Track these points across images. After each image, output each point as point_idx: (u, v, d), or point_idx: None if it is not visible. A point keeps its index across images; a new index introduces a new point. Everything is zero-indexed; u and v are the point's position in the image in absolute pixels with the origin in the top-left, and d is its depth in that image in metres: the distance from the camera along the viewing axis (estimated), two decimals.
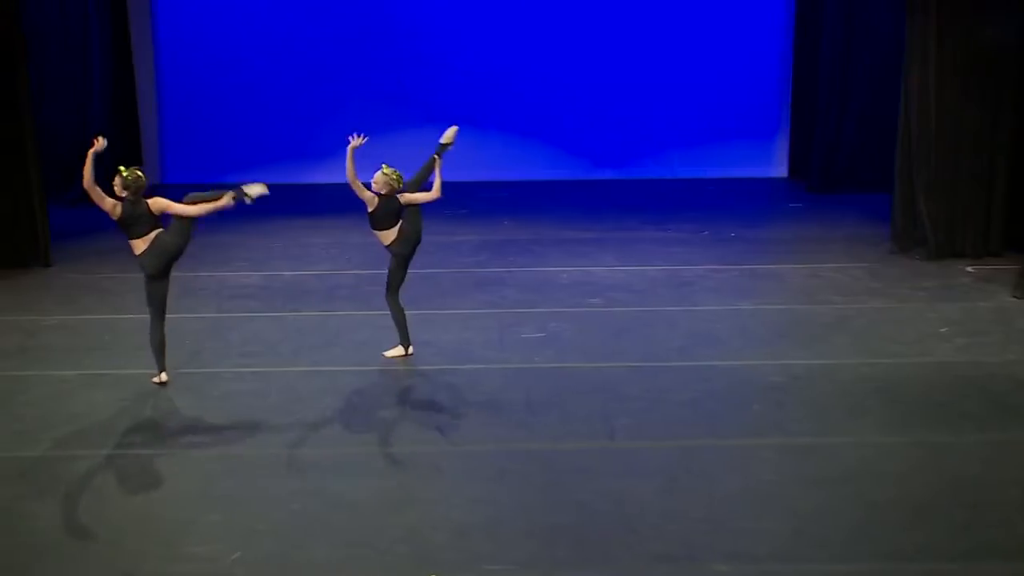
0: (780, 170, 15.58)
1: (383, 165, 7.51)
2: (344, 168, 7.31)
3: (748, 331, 8.51)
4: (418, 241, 7.70)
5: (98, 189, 6.78)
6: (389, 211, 7.51)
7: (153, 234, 6.95)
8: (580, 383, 7.35)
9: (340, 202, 14.75)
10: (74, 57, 14.08)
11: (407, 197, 7.54)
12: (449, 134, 7.85)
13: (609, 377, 7.46)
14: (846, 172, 14.17)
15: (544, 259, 10.84)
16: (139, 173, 6.97)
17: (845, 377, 7.40)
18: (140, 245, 6.96)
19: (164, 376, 7.26)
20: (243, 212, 13.78)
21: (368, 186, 7.46)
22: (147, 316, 7.20)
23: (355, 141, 7.39)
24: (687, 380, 7.39)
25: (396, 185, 7.49)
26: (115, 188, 6.96)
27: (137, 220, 6.91)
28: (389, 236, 7.58)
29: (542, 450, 6.30)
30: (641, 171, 15.46)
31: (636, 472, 5.99)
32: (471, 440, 6.44)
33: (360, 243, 11.64)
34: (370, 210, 7.49)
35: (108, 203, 6.84)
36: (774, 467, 6.05)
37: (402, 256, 7.64)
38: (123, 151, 14.74)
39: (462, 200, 13.89)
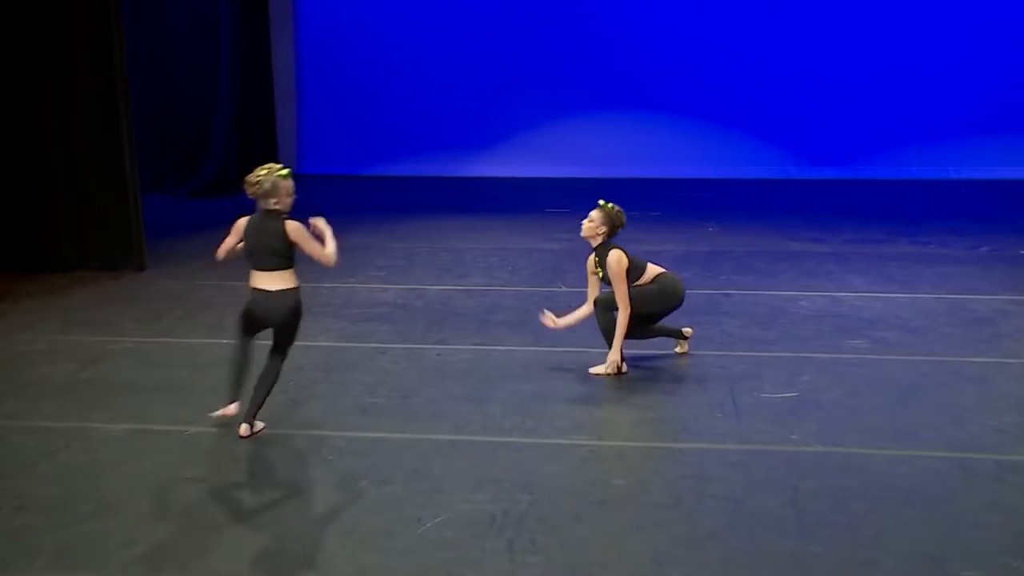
0: None
1: None
2: None
3: None
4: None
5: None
6: None
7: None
8: (869, 483, 4.67)
9: (504, 198, 12.56)
10: (203, 41, 12.33)
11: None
12: None
13: (914, 474, 4.75)
14: None
15: (771, 278, 8.16)
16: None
17: None
18: None
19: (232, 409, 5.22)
20: (382, 206, 11.78)
21: None
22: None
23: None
24: None
25: None
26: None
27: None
28: None
29: None
30: (870, 170, 12.71)
31: None
32: None
33: (527, 249, 9.27)
34: None
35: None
36: None
37: None
38: (255, 137, 12.90)
39: (652, 200, 11.34)
